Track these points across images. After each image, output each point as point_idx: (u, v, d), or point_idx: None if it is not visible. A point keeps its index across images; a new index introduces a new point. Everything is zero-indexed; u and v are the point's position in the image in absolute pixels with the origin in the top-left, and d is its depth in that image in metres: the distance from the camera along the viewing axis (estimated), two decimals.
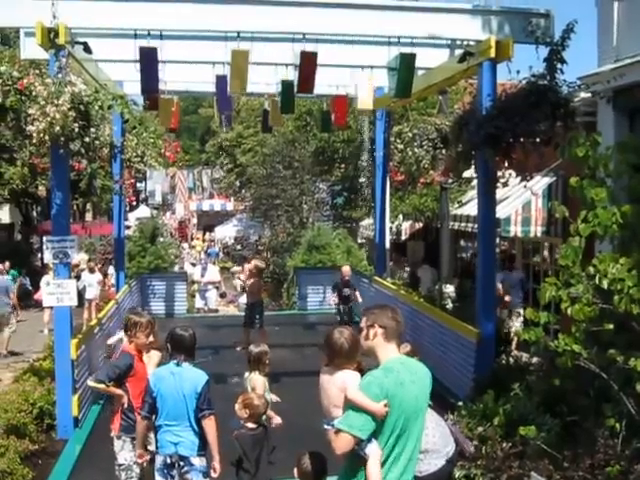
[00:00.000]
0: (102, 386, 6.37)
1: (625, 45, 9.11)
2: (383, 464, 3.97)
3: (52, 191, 8.99)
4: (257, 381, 6.87)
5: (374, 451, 3.97)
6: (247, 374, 7.06)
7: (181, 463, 5.70)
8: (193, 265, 22.76)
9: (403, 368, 4.05)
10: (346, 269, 14.62)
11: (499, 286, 12.50)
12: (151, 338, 6.42)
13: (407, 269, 19.58)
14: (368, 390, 3.94)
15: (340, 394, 4.26)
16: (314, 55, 9.11)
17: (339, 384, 4.43)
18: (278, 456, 6.50)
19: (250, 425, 6.09)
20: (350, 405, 4.01)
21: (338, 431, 3.98)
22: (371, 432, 3.94)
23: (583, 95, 9.65)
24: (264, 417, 6.36)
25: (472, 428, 7.55)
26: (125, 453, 6.28)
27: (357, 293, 14.41)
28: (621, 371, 5.73)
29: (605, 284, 5.55)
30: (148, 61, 8.86)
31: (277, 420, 6.77)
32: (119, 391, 6.31)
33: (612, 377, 5.92)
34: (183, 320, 15.38)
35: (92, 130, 8.26)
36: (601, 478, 5.88)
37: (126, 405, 6.27)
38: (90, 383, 6.80)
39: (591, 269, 5.64)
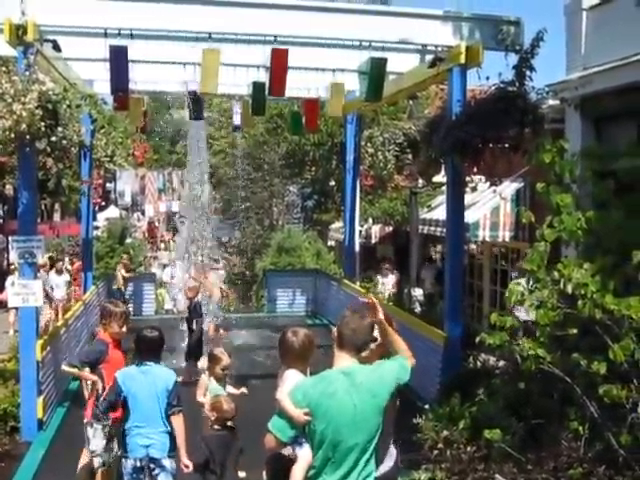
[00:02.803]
0: (75, 370, 6.49)
1: (593, 53, 9.25)
2: (319, 472, 3.92)
3: (19, 190, 8.87)
4: (201, 381, 6.90)
5: (302, 454, 4.06)
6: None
7: (151, 465, 5.65)
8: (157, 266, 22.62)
9: (343, 378, 3.92)
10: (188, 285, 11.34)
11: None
12: (124, 328, 6.51)
13: (393, 276, 19.13)
14: (292, 396, 3.95)
15: None
16: (285, 52, 9.06)
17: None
18: (244, 457, 6.48)
19: (216, 427, 6.10)
20: (278, 406, 4.06)
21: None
22: (292, 436, 3.95)
23: (551, 102, 9.76)
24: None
25: (438, 431, 7.58)
26: (97, 440, 6.22)
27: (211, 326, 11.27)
28: (585, 375, 5.80)
29: (569, 289, 5.62)
30: (118, 60, 8.80)
31: (242, 390, 7.08)
32: (92, 376, 6.34)
33: (576, 381, 5.98)
34: (152, 321, 15.26)
35: (59, 129, 8.16)
36: None
37: (100, 391, 6.23)
38: (64, 367, 6.86)
39: (556, 274, 5.71)
